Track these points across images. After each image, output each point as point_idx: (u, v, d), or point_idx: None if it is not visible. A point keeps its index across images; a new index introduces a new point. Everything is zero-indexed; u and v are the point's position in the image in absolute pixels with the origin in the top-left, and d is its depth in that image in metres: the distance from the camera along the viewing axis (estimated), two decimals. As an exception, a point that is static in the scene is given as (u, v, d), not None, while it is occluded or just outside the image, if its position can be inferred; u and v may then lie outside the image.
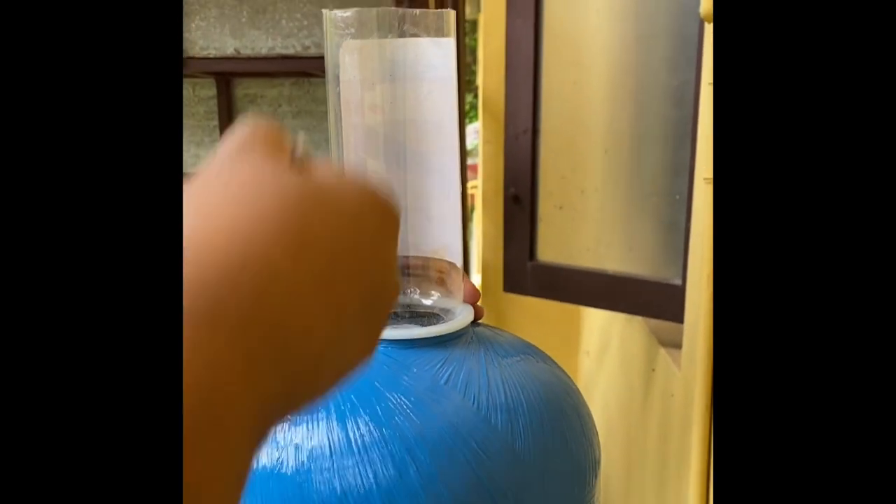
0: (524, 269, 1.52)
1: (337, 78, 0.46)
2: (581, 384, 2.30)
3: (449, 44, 0.48)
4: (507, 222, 1.56)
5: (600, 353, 2.08)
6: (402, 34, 0.46)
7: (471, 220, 3.75)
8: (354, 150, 0.48)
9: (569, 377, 0.51)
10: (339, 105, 0.47)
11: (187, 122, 1.88)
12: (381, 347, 0.45)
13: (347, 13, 0.45)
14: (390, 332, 0.45)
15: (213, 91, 1.80)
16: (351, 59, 0.46)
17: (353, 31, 0.46)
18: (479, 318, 0.51)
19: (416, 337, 0.46)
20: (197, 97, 1.87)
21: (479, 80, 2.81)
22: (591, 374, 2.21)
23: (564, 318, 2.38)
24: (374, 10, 0.46)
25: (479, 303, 0.52)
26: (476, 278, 2.86)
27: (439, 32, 0.47)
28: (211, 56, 1.62)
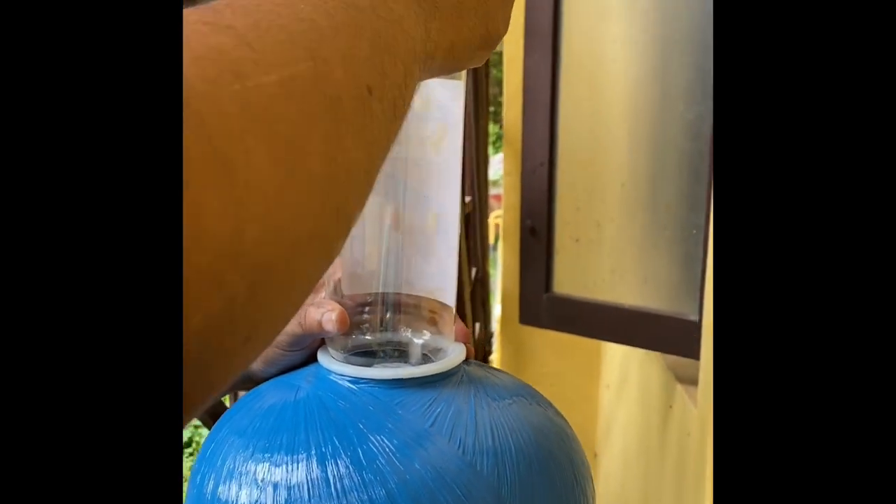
0: (540, 301, 1.51)
1: None
2: (601, 418, 2.27)
3: (458, 87, 0.48)
4: (523, 254, 1.55)
5: (620, 386, 2.05)
6: None
7: (494, 249, 3.74)
8: None
9: (565, 421, 0.50)
10: None
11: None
12: (366, 387, 0.45)
13: None
14: (376, 372, 0.45)
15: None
16: None
17: None
18: (469, 358, 0.50)
19: (403, 377, 0.45)
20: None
21: (503, 112, 2.82)
22: (611, 407, 2.18)
23: (585, 351, 2.36)
24: None
25: (490, 341, 0.51)
26: (497, 309, 2.84)
27: (450, 75, 0.47)
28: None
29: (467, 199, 2.02)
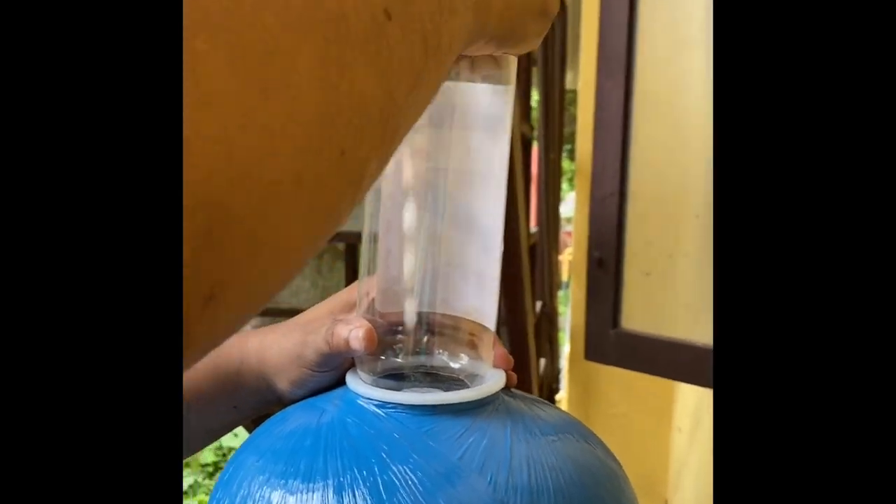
0: (607, 337, 1.45)
1: None
2: (672, 463, 2.17)
3: (507, 92, 0.44)
4: (590, 287, 1.50)
5: (692, 430, 1.95)
6: (457, 77, 0.43)
7: (566, 287, 3.68)
8: (393, 195, 0.44)
9: (616, 463, 0.45)
10: None
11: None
12: (393, 412, 0.41)
13: None
14: (405, 396, 0.41)
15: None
16: None
17: None
18: (511, 386, 0.46)
19: (433, 403, 0.41)
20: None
21: (577, 144, 2.79)
22: (684, 452, 2.08)
23: (656, 391, 2.26)
24: None
25: (513, 370, 0.47)
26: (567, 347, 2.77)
27: (498, 79, 0.44)
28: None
29: (533, 229, 1.97)
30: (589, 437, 0.45)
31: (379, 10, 0.22)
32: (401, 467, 0.38)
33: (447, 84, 0.43)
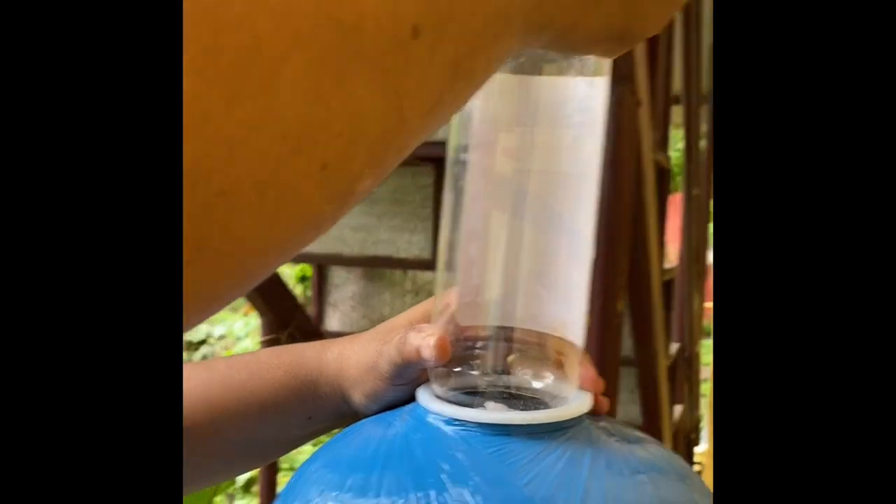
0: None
1: (463, 111, 0.41)
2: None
3: (602, 84, 0.41)
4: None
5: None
6: (546, 69, 0.40)
7: (706, 335, 3.50)
8: (477, 196, 0.41)
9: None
10: (461, 140, 0.41)
11: (401, 209, 1.94)
12: (461, 430, 0.38)
13: None
14: (474, 413, 0.38)
15: (431, 179, 1.84)
16: (488, 96, 0.40)
17: None
18: (601, 412, 0.42)
19: (504, 422, 0.37)
20: (415, 184, 1.92)
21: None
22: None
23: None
24: None
25: (602, 394, 0.42)
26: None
27: (593, 70, 0.40)
28: (430, 141, 1.65)
29: (669, 265, 1.88)
30: (688, 477, 0.40)
31: (406, 27, 0.20)
32: (458, 489, 0.34)
33: (535, 78, 0.40)
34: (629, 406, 1.96)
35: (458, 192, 0.41)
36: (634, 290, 1.38)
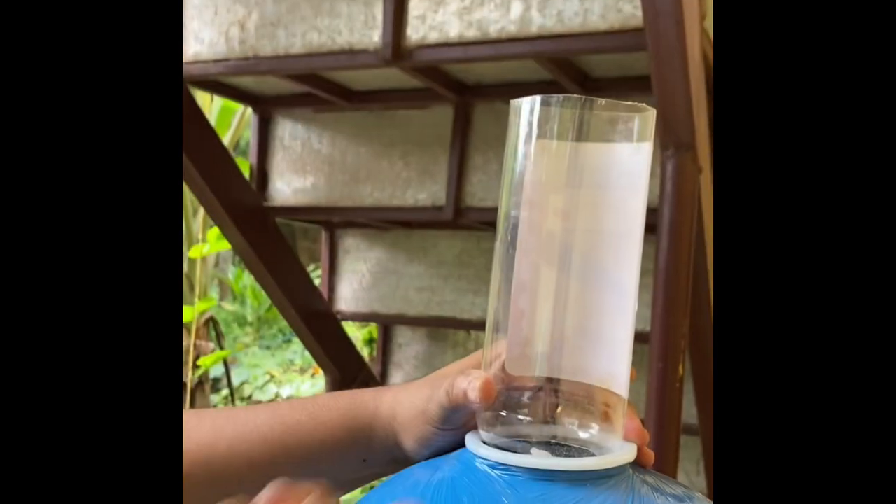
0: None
1: (514, 171, 0.43)
2: None
3: (647, 149, 0.43)
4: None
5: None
6: (594, 135, 0.42)
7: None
8: (528, 252, 0.44)
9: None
10: (512, 201, 0.44)
11: (466, 272, 1.96)
12: (506, 475, 0.39)
13: (536, 105, 0.42)
14: (519, 459, 0.39)
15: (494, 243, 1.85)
16: (540, 159, 0.43)
17: (542, 126, 0.43)
18: (646, 464, 0.42)
19: (548, 468, 0.39)
20: (479, 248, 1.95)
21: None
22: None
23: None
24: (567, 108, 0.42)
25: (647, 445, 0.43)
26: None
27: (638, 136, 0.42)
28: (489, 207, 1.69)
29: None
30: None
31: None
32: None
33: (583, 144, 0.42)
34: (695, 477, 1.90)
35: (508, 248, 0.43)
36: (697, 355, 1.36)
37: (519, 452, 0.40)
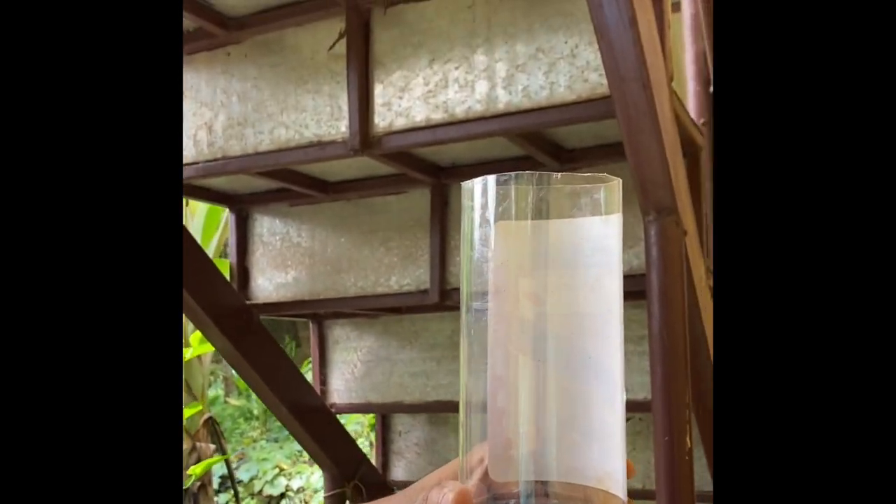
0: None
1: (472, 258, 0.40)
2: None
3: (616, 221, 0.40)
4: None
5: None
6: (558, 211, 0.40)
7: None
8: (501, 343, 0.40)
9: None
10: (475, 287, 0.41)
11: (459, 353, 1.91)
12: None
13: (490, 185, 0.39)
14: None
15: (489, 319, 1.82)
16: (503, 242, 0.40)
17: (499, 207, 0.40)
18: (652, 573, 0.38)
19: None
20: (472, 325, 1.91)
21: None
22: None
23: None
24: (522, 185, 0.40)
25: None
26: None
27: (605, 208, 0.40)
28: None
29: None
30: None
31: None
32: None
33: (549, 222, 0.40)
34: (718, 548, 1.82)
35: (472, 343, 0.40)
36: (705, 421, 1.31)
37: None
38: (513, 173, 0.39)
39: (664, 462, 0.99)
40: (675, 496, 0.99)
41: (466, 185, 0.40)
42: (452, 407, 2.03)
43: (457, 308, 1.89)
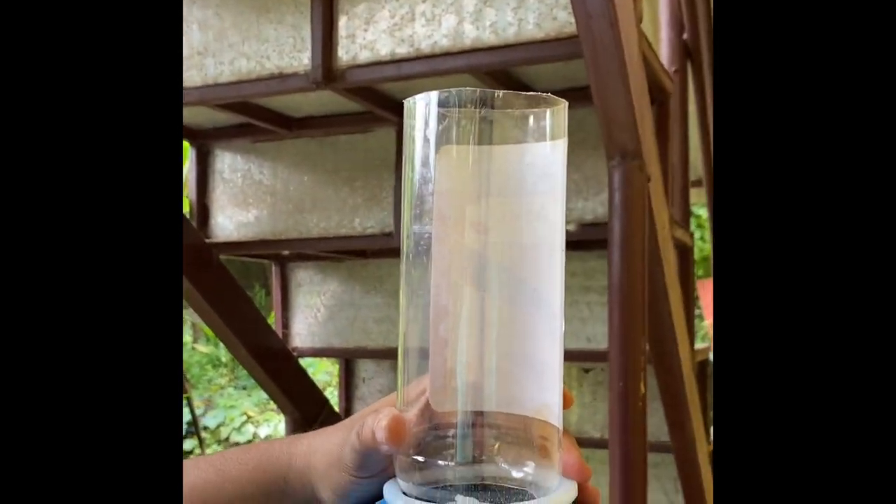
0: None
1: (413, 181, 0.38)
2: None
3: (562, 147, 0.39)
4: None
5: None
6: (502, 135, 0.38)
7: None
8: (444, 272, 0.39)
9: None
10: (412, 214, 0.39)
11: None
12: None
13: (433, 103, 0.37)
14: None
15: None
16: (447, 167, 0.38)
17: (441, 128, 0.38)
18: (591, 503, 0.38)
19: (478, 519, 0.34)
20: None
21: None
22: None
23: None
24: (467, 107, 0.38)
25: (590, 482, 0.38)
26: None
27: (551, 133, 0.38)
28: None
29: (707, 344, 1.81)
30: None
31: None
32: None
33: (493, 147, 0.38)
34: (674, 496, 1.86)
35: (411, 269, 0.38)
36: (662, 371, 1.32)
37: (441, 502, 0.35)
38: (454, 89, 0.37)
39: (618, 408, 1.00)
40: (627, 442, 1.00)
41: (408, 102, 0.38)
42: (416, 353, 2.03)
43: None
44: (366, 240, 1.67)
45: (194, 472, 0.45)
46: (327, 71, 1.19)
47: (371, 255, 1.96)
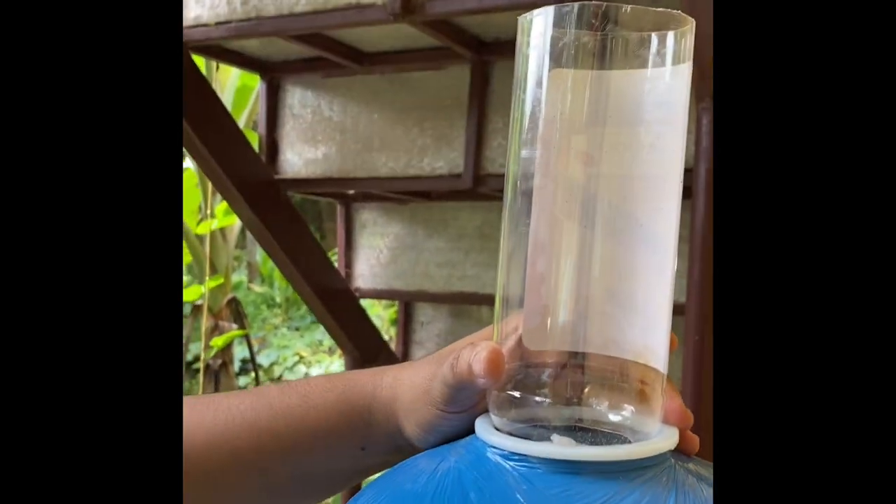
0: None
1: (524, 104, 0.36)
2: None
3: (686, 72, 0.36)
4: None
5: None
6: (621, 59, 0.35)
7: None
8: (546, 205, 0.37)
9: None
10: (523, 140, 0.37)
11: (488, 244, 1.89)
12: (522, 468, 0.33)
13: (549, 20, 0.35)
14: (537, 448, 0.33)
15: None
16: (557, 93, 0.36)
17: (556, 48, 0.36)
18: (690, 451, 0.36)
19: (572, 458, 0.32)
20: (501, 220, 1.89)
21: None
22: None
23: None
24: (584, 25, 0.35)
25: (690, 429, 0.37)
26: None
27: (674, 57, 0.35)
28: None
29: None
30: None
31: None
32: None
33: (609, 72, 0.36)
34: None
35: (518, 198, 0.36)
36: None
37: (536, 440, 0.34)
38: (574, 4, 0.34)
39: (692, 363, 0.97)
40: (700, 399, 0.98)
41: (523, 18, 0.36)
42: (477, 299, 2.03)
43: (489, 198, 1.85)
44: (434, 181, 1.65)
45: (279, 397, 0.45)
46: (406, 2, 1.16)
47: (435, 197, 1.94)
